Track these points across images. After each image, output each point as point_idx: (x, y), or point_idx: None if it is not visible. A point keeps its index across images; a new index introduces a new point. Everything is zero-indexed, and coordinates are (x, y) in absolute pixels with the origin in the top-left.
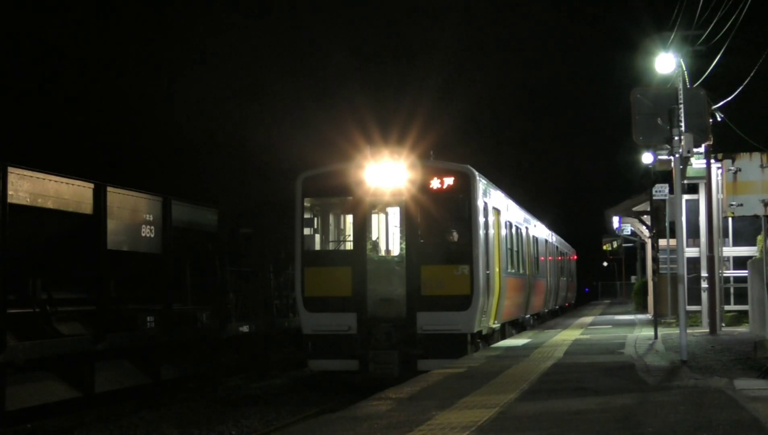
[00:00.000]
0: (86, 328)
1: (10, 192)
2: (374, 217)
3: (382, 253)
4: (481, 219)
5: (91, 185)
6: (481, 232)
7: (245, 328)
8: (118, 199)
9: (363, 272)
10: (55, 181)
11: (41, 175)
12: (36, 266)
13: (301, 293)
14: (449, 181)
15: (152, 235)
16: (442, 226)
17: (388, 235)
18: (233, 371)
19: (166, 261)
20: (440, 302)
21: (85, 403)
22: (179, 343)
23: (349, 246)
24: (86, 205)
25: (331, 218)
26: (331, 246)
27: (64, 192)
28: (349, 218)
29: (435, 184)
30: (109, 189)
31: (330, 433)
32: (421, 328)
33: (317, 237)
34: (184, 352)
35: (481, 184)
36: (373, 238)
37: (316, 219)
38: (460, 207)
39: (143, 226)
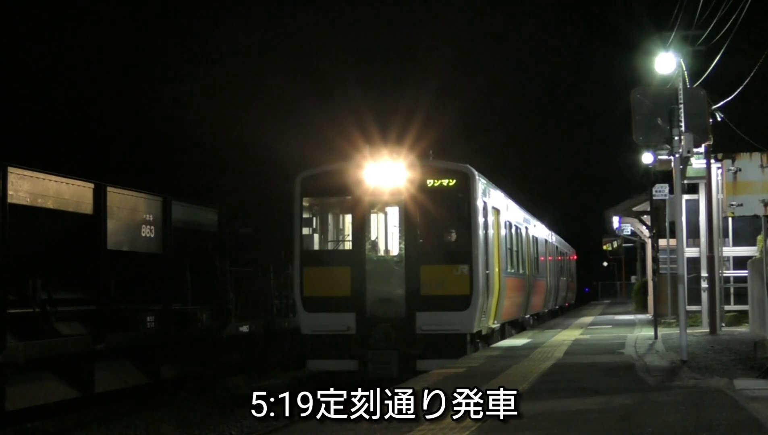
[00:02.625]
0: (86, 328)
1: (10, 192)
2: (373, 216)
3: (381, 252)
4: (481, 219)
5: (91, 185)
6: (481, 231)
7: (245, 328)
8: (118, 199)
9: (362, 272)
10: (55, 181)
11: (41, 175)
12: (36, 266)
13: (300, 293)
14: (448, 180)
15: (152, 235)
16: (442, 226)
17: (387, 234)
18: (233, 371)
19: (166, 261)
20: (439, 302)
21: (85, 403)
22: (179, 343)
23: (348, 246)
24: (86, 205)
25: (330, 218)
26: (330, 246)
27: (64, 192)
28: (348, 218)
29: (434, 183)
30: (109, 189)
31: (330, 432)
32: (420, 328)
33: (316, 237)
34: (184, 352)
35: (481, 183)
36: (372, 237)
37: (314, 219)
38: (459, 207)
39: (143, 226)
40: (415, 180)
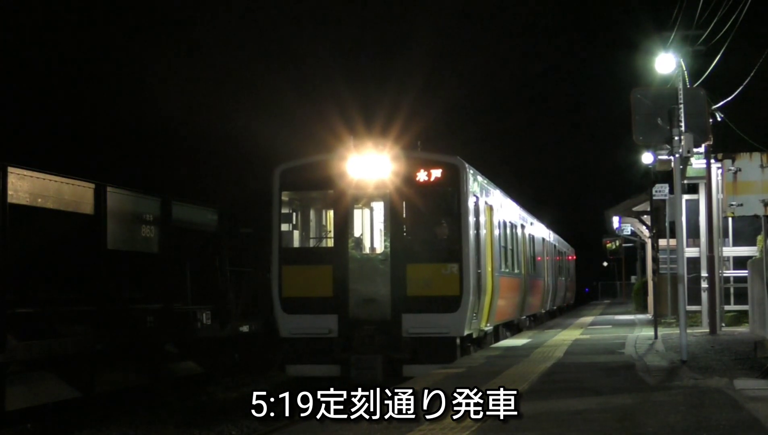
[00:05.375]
0: (86, 328)
1: (10, 192)
2: (357, 212)
3: (367, 250)
4: (472, 214)
5: (92, 185)
6: (472, 228)
7: (245, 328)
8: (118, 199)
9: (345, 271)
10: (55, 181)
11: (41, 175)
12: (36, 266)
13: (278, 293)
14: (437, 173)
15: (152, 235)
16: (430, 222)
17: (373, 231)
18: (233, 371)
19: (166, 261)
20: (427, 303)
21: (85, 403)
22: (179, 343)
23: (331, 243)
24: (86, 205)
25: (312, 213)
26: (312, 243)
27: (64, 192)
28: (331, 213)
29: (422, 176)
30: (109, 189)
31: (330, 433)
32: (406, 331)
33: (296, 233)
34: (183, 353)
35: (472, 176)
36: (356, 234)
37: (294, 214)
38: (448, 201)
39: (143, 226)
40: (401, 172)
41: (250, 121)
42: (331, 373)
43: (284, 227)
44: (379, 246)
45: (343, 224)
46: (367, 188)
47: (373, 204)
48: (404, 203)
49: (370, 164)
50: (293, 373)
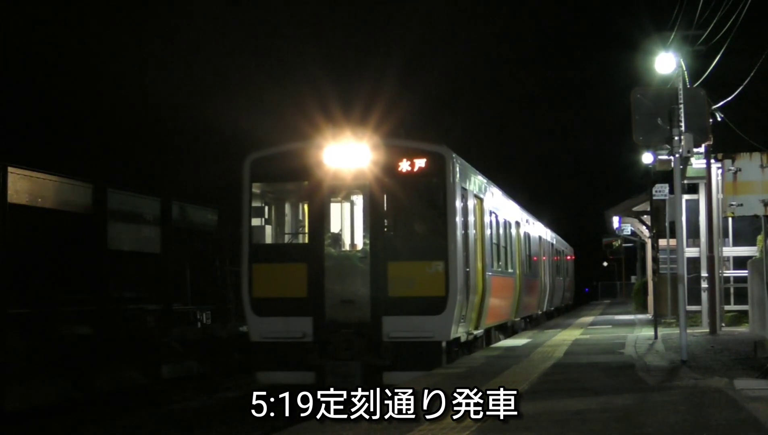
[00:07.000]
0: (86, 328)
1: (10, 192)
2: (336, 205)
3: (346, 247)
4: (459, 208)
5: (91, 185)
6: (459, 223)
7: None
8: (118, 199)
9: (320, 270)
10: (55, 181)
11: (41, 175)
12: (36, 266)
13: (248, 294)
14: (420, 162)
15: (152, 235)
16: (413, 216)
17: (354, 226)
18: (233, 371)
19: (166, 261)
20: (410, 305)
21: (85, 403)
22: (179, 343)
23: (306, 239)
24: (86, 205)
25: (288, 207)
26: (286, 239)
27: (64, 192)
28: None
29: (404, 166)
30: (109, 189)
31: (330, 432)
32: (387, 335)
33: (269, 229)
34: (183, 352)
35: (460, 167)
36: (334, 229)
37: (267, 208)
38: (433, 193)
39: (143, 226)
40: (381, 162)
41: (238, 115)
42: (305, 380)
43: (255, 222)
44: (360, 242)
45: (319, 218)
46: (345, 179)
47: (354, 197)
48: (385, 196)
49: (348, 153)
50: (264, 380)
